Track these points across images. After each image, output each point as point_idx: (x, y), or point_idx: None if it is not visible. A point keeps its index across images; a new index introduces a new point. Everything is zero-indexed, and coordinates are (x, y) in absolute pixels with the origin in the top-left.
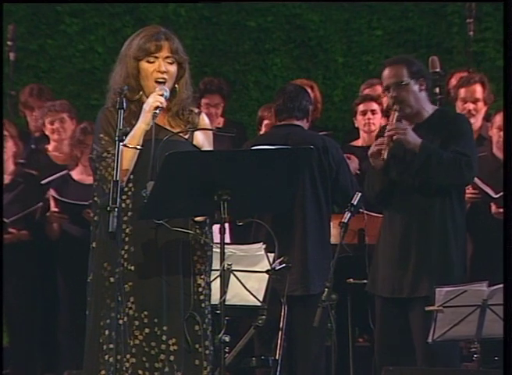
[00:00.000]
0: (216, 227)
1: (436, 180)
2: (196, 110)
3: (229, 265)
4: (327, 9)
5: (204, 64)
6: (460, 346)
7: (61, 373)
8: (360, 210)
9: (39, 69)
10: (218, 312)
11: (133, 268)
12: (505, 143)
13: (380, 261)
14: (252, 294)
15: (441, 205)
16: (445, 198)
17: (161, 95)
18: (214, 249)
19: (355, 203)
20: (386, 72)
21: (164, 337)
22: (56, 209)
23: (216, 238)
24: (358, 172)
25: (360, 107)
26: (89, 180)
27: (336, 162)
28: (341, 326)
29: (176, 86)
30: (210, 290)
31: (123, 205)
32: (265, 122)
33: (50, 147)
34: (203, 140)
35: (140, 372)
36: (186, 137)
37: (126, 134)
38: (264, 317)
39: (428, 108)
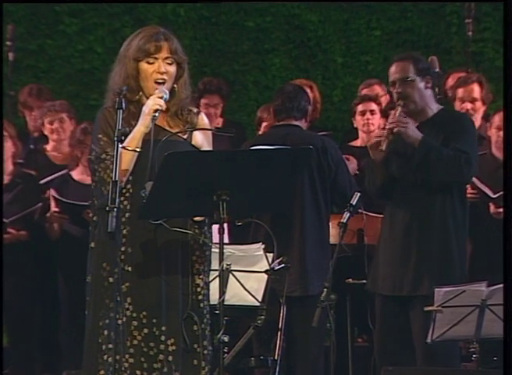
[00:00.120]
0: (215, 227)
1: (435, 176)
2: (195, 110)
3: (228, 265)
4: (326, 10)
5: (203, 64)
6: (459, 346)
7: (60, 373)
8: (359, 210)
9: (38, 70)
10: (217, 312)
11: (130, 269)
12: (505, 143)
13: (381, 259)
14: (251, 294)
15: (442, 203)
16: (446, 196)
17: (161, 98)
18: (213, 249)
19: (354, 203)
20: (393, 68)
21: (163, 338)
22: (57, 209)
23: (215, 238)
24: (357, 172)
25: (359, 107)
26: (89, 180)
27: (334, 163)
28: (340, 326)
29: (175, 86)
30: (208, 290)
31: (121, 206)
32: (264, 123)
33: (49, 147)
34: (202, 140)
35: (138, 372)
36: (185, 137)
37: (125, 135)
38: (263, 317)
39: (433, 107)
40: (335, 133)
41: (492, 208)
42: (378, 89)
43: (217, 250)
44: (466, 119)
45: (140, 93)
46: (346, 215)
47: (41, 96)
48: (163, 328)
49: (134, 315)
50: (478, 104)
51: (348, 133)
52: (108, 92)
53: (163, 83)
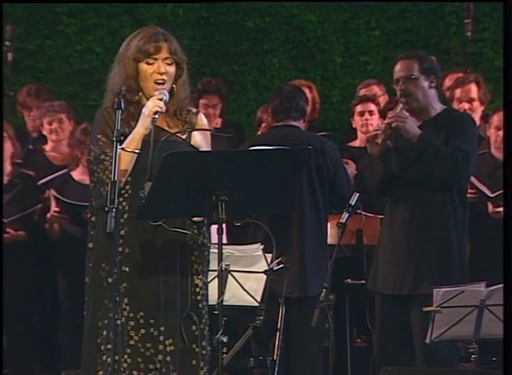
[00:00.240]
0: (214, 228)
1: (432, 173)
2: (194, 110)
3: (227, 265)
4: (325, 10)
5: (202, 64)
6: (458, 346)
7: (59, 373)
8: (358, 211)
9: (37, 70)
10: (216, 312)
11: (127, 269)
12: (505, 143)
13: (381, 258)
14: (250, 294)
15: (442, 202)
16: (446, 195)
17: (161, 99)
18: (211, 250)
19: (353, 204)
20: (398, 65)
21: (161, 338)
22: (57, 209)
23: (214, 239)
24: (356, 172)
25: (358, 108)
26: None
27: (333, 163)
28: (339, 326)
29: (174, 86)
30: (207, 290)
31: (120, 206)
32: (264, 124)
33: (47, 147)
34: (201, 140)
35: (134, 372)
36: (184, 137)
37: (124, 135)
38: (262, 318)
39: (437, 107)
40: (333, 134)
41: (490, 207)
42: (376, 89)
43: (216, 250)
44: (467, 118)
45: (140, 93)
46: (345, 215)
47: (40, 96)
48: (161, 328)
49: (131, 315)
50: (476, 104)
51: (347, 134)
52: (106, 93)
53: (163, 83)
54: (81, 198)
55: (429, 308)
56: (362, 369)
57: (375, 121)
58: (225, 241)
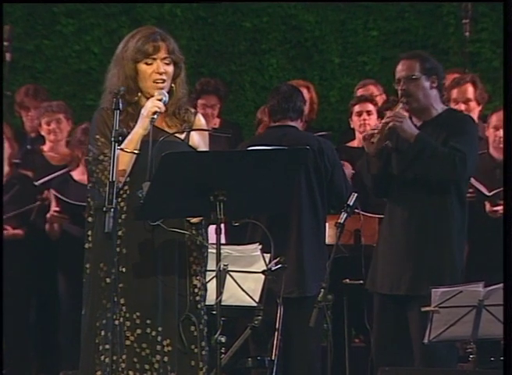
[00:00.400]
0: (212, 228)
1: (430, 173)
2: (192, 110)
3: (225, 265)
4: (323, 10)
5: (200, 65)
6: (456, 347)
7: (57, 373)
8: (356, 211)
9: (35, 70)
10: (214, 312)
11: (124, 270)
12: (505, 143)
13: (380, 258)
14: (248, 294)
15: (441, 203)
16: (445, 196)
17: (160, 100)
18: (210, 250)
19: (351, 204)
20: (400, 65)
21: (159, 338)
22: (57, 209)
23: (212, 239)
24: (353, 172)
25: (356, 108)
26: None
27: (331, 164)
28: (337, 326)
29: (173, 86)
30: (206, 291)
31: (118, 207)
32: (262, 125)
33: (45, 147)
34: (199, 140)
35: (130, 373)
36: (183, 137)
37: (122, 135)
38: (260, 318)
39: (438, 107)
40: (332, 134)
41: (487, 206)
42: (372, 89)
43: (214, 250)
44: (468, 120)
45: (139, 94)
46: (343, 215)
47: (38, 96)
48: (159, 329)
49: (127, 315)
50: (473, 104)
51: (345, 134)
52: (104, 93)
53: (162, 83)
54: (81, 198)
55: (427, 309)
56: (360, 369)
57: (373, 121)
58: (223, 241)
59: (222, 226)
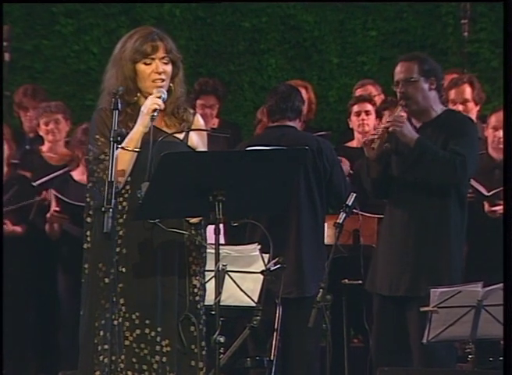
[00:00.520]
0: (211, 228)
1: (430, 177)
2: (191, 110)
3: (224, 265)
4: (321, 10)
5: (198, 65)
6: (455, 347)
7: (55, 373)
8: (355, 211)
9: (34, 70)
10: (213, 312)
11: (124, 270)
12: (505, 143)
13: (379, 259)
14: (247, 294)
15: (441, 205)
16: (445, 198)
17: (159, 97)
18: (208, 250)
19: (350, 204)
20: (398, 67)
21: (158, 339)
22: (57, 209)
23: (211, 239)
24: (351, 172)
25: (355, 108)
26: None
27: (330, 163)
28: (336, 326)
29: (171, 85)
30: (205, 291)
31: (119, 207)
32: (260, 125)
33: (44, 148)
34: (197, 141)
35: (129, 373)
36: (182, 138)
37: (121, 136)
38: (259, 318)
39: (437, 108)
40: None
41: (486, 206)
42: (371, 89)
43: (213, 251)
44: (468, 122)
45: (138, 94)
46: (342, 215)
47: (36, 96)
48: (158, 329)
49: (127, 316)
50: (470, 105)
51: (344, 134)
52: (103, 94)
53: (161, 82)
54: (81, 198)
55: (426, 309)
56: (359, 369)
57: (371, 121)
58: (222, 241)
59: (221, 226)
